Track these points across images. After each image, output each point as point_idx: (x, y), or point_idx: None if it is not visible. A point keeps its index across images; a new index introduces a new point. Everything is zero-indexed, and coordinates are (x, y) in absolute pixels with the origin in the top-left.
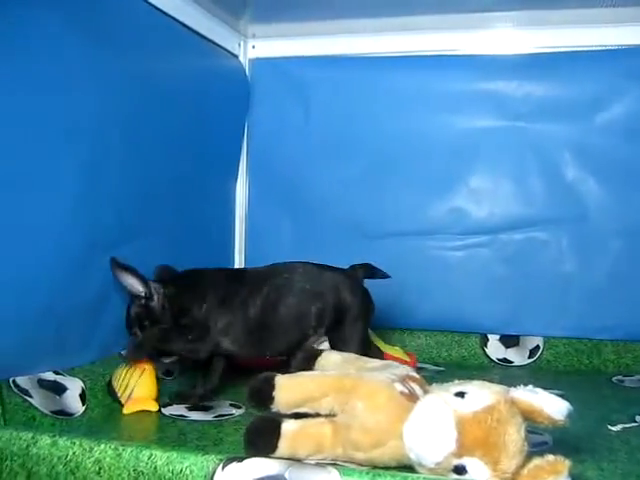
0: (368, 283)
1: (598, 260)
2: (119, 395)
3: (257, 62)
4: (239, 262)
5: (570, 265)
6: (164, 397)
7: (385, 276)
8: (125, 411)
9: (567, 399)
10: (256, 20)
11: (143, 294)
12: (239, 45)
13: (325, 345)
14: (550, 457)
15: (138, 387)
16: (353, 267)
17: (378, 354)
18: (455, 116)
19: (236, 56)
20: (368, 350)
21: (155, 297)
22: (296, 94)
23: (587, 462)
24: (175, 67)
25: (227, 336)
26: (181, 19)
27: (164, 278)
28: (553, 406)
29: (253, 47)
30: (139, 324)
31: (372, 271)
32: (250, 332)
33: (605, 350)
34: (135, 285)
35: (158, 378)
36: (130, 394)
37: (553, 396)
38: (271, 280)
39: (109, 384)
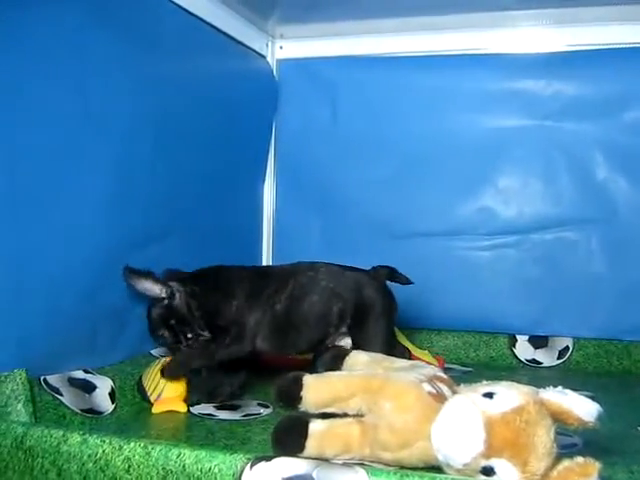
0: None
1: (628, 260)
2: (149, 394)
3: (285, 62)
4: (266, 262)
5: (600, 265)
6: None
7: (407, 282)
8: (154, 410)
9: (597, 401)
10: (284, 21)
11: (164, 294)
12: (267, 46)
13: (346, 342)
14: (580, 459)
15: (167, 387)
16: (375, 268)
17: (404, 353)
18: (483, 115)
19: (264, 57)
20: (393, 349)
21: (177, 295)
22: (323, 94)
23: (617, 465)
24: (204, 68)
25: (258, 333)
26: (210, 20)
27: (181, 277)
28: (583, 408)
29: (281, 48)
30: (165, 325)
31: (394, 275)
32: (276, 329)
33: (635, 351)
34: (153, 288)
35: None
36: (160, 394)
37: (583, 397)
38: (295, 277)
39: (139, 383)
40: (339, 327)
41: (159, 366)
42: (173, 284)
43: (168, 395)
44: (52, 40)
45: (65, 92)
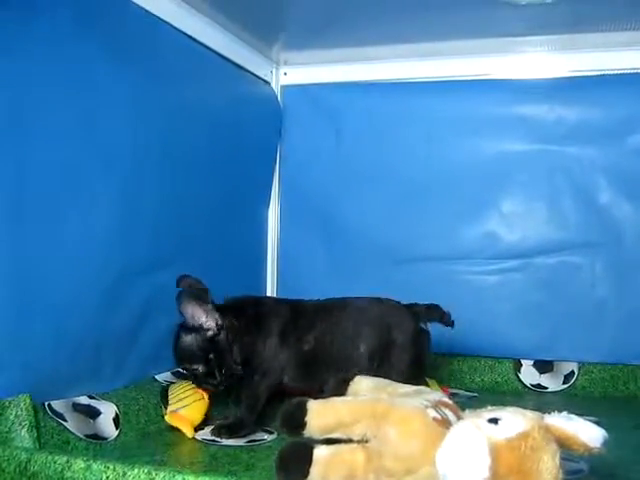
0: None
1: (633, 284)
2: (170, 404)
3: (289, 89)
4: (271, 287)
5: (604, 289)
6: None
7: (448, 323)
8: (166, 419)
9: (603, 426)
10: (288, 47)
11: (214, 327)
12: (271, 72)
13: None
14: None
15: (189, 408)
16: (414, 305)
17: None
18: (487, 141)
19: (268, 83)
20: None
21: (223, 331)
22: (328, 120)
23: None
24: (209, 95)
25: (285, 371)
26: (215, 48)
27: (219, 308)
28: (588, 433)
29: (285, 74)
30: (204, 358)
31: (437, 315)
32: (303, 368)
33: None
34: (206, 318)
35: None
36: (179, 408)
37: (588, 423)
38: (324, 317)
39: (164, 391)
40: (370, 366)
41: (191, 386)
42: (219, 316)
43: (186, 414)
44: (59, 67)
45: (71, 119)
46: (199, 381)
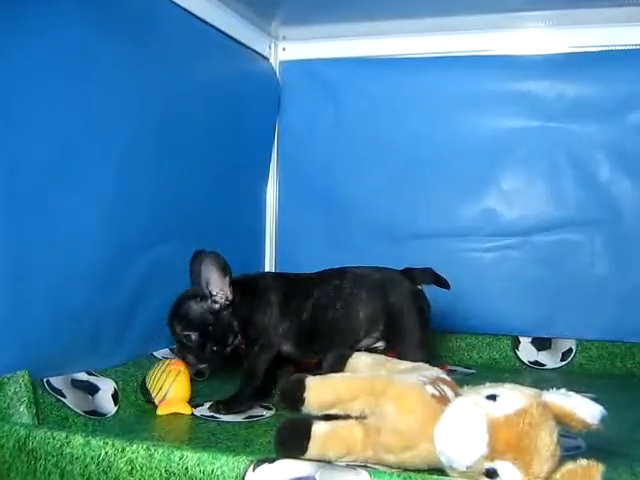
0: None
1: (632, 262)
2: (153, 396)
3: (287, 64)
4: (269, 263)
5: (604, 267)
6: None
7: (445, 285)
8: (159, 412)
9: (600, 403)
10: (286, 22)
11: (223, 300)
12: (269, 47)
13: (379, 345)
14: (583, 461)
15: (173, 389)
16: (409, 270)
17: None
18: (487, 117)
19: (267, 58)
20: (429, 350)
21: (229, 308)
22: (326, 96)
23: (621, 467)
24: (207, 70)
25: (285, 340)
26: (213, 23)
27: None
28: (586, 410)
29: (283, 49)
30: (202, 329)
31: (432, 278)
32: (302, 337)
33: (639, 353)
34: (223, 288)
35: (192, 379)
36: (165, 395)
37: (586, 400)
38: (320, 286)
39: (142, 385)
40: (370, 331)
41: (163, 367)
42: (232, 293)
43: (173, 397)
44: (56, 44)
45: (68, 94)
46: (184, 352)
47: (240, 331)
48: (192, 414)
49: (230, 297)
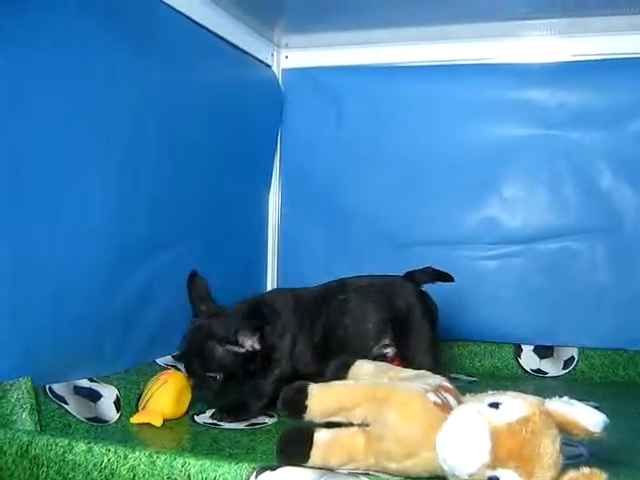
0: None
1: (634, 270)
2: (139, 404)
3: (290, 72)
4: (271, 271)
5: (605, 275)
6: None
7: (448, 278)
8: (131, 420)
9: (602, 411)
10: (289, 30)
11: (250, 348)
12: (272, 55)
13: (389, 350)
14: (586, 469)
15: (153, 399)
16: (410, 273)
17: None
18: (489, 125)
19: (269, 66)
20: (438, 353)
21: (256, 358)
22: (328, 104)
23: (623, 475)
24: (210, 77)
25: (298, 361)
26: (216, 30)
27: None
28: (589, 418)
29: (286, 57)
30: (227, 370)
31: (433, 275)
32: (317, 356)
33: None
34: (247, 341)
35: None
36: (145, 404)
37: (588, 408)
38: (327, 304)
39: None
40: (379, 340)
41: (156, 376)
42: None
43: (150, 407)
44: (58, 47)
45: (71, 100)
46: (204, 391)
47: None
48: (193, 420)
49: (257, 348)
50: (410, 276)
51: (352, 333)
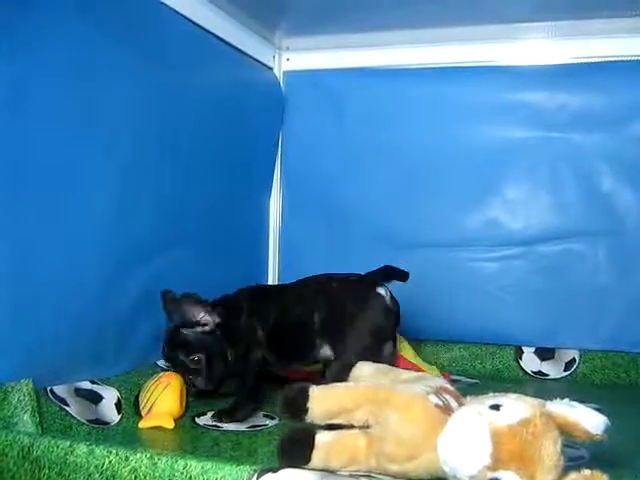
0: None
1: (635, 272)
2: (141, 408)
3: (291, 74)
4: (272, 273)
5: (607, 277)
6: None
7: (403, 276)
8: (140, 425)
9: (604, 413)
10: (290, 33)
11: (212, 324)
12: (274, 58)
13: (325, 351)
14: (587, 472)
15: (158, 402)
16: (369, 273)
17: None
18: (489, 127)
19: (271, 69)
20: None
21: (219, 328)
22: (330, 106)
23: (624, 477)
24: (211, 80)
25: (263, 346)
26: (217, 33)
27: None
28: (590, 420)
29: (287, 60)
30: (205, 350)
31: (390, 273)
32: (272, 342)
33: None
34: (204, 316)
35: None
36: (150, 408)
37: (590, 410)
38: (286, 294)
39: (136, 396)
40: (324, 336)
41: (154, 380)
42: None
43: (157, 410)
44: (61, 51)
45: (72, 104)
46: (193, 377)
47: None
48: (195, 423)
49: (217, 320)
50: (368, 276)
51: (299, 323)
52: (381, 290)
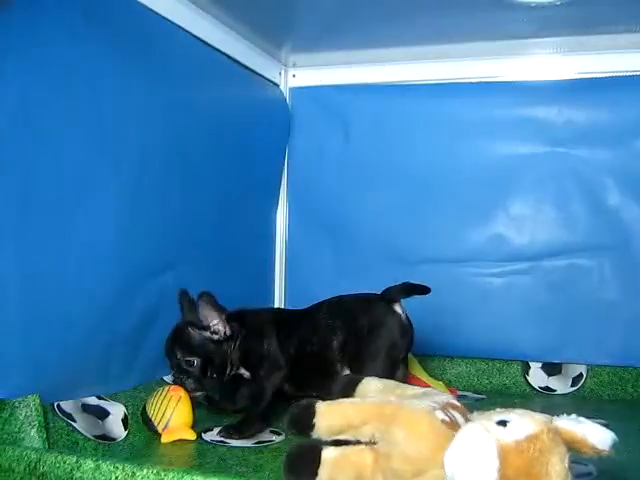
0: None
1: None
2: (156, 424)
3: (297, 91)
4: (279, 288)
5: (613, 292)
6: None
7: (424, 291)
8: (163, 440)
9: (611, 429)
10: (296, 49)
11: (222, 334)
12: (280, 74)
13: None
14: None
15: (175, 415)
16: (387, 290)
17: None
18: (496, 143)
19: (277, 85)
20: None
21: (230, 342)
22: (336, 122)
23: None
24: (217, 96)
25: (282, 372)
26: (223, 49)
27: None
28: (597, 436)
29: (294, 76)
30: (204, 355)
31: (410, 288)
32: (293, 371)
33: None
34: (218, 324)
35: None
36: (167, 422)
37: (597, 426)
38: (303, 320)
39: (143, 413)
40: (344, 360)
41: (163, 394)
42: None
43: (176, 423)
44: (69, 68)
45: (79, 122)
46: (183, 377)
47: (241, 362)
48: (201, 439)
49: (228, 332)
50: (384, 295)
51: (318, 351)
52: (397, 308)
